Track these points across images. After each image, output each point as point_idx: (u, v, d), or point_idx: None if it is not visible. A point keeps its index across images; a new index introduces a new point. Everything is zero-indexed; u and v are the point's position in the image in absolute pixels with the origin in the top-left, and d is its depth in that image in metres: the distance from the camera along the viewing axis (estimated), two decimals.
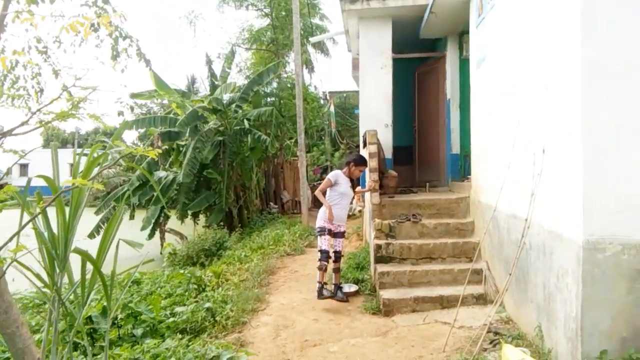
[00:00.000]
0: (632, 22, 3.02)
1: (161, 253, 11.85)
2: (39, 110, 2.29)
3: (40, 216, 2.40)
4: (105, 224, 3.76)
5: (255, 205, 15.22)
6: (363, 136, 7.66)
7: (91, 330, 4.04)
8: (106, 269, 2.71)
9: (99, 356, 3.48)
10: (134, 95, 13.87)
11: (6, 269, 2.07)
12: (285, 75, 17.58)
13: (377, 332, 4.57)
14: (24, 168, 41.57)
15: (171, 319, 4.64)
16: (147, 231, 13.22)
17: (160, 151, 2.84)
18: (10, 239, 2.03)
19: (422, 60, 8.95)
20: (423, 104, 9.09)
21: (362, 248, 7.79)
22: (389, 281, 5.34)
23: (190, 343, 3.92)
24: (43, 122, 2.28)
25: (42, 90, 3.03)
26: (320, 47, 20.89)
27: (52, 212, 2.51)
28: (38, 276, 2.51)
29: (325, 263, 5.49)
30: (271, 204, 16.46)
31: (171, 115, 13.30)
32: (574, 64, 3.15)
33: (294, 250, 8.90)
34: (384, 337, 4.45)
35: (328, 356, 4.09)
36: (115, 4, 3.39)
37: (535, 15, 3.88)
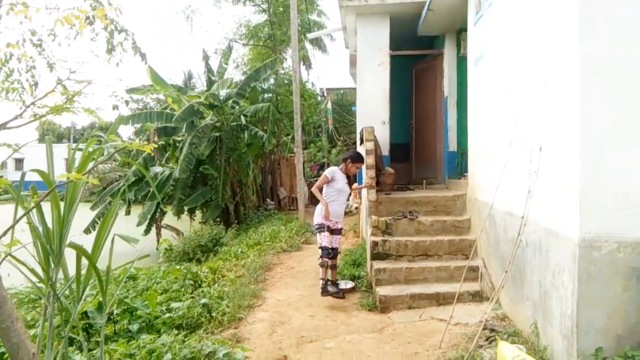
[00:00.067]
0: (630, 20, 3.02)
1: (157, 249, 11.85)
2: (32, 103, 2.27)
3: (34, 211, 2.38)
4: (101, 219, 3.73)
5: (252, 201, 15.21)
6: (360, 133, 7.65)
7: (87, 325, 4.03)
8: (102, 265, 2.70)
9: (94, 351, 3.48)
10: (130, 91, 13.80)
11: (0, 262, 2.06)
12: (283, 72, 17.53)
13: (373, 328, 4.57)
14: (19, 163, 41.40)
15: (167, 315, 4.62)
16: (143, 227, 13.18)
17: (155, 146, 2.83)
18: (4, 233, 2.01)
19: (420, 58, 8.93)
20: (420, 102, 9.09)
21: (359, 245, 7.79)
22: (385, 278, 5.34)
23: (187, 339, 3.91)
24: (37, 116, 2.26)
25: (36, 84, 3.00)
26: (318, 43, 20.86)
27: (47, 207, 2.49)
28: (33, 271, 2.50)
29: (327, 260, 5.49)
30: (268, 200, 16.46)
31: (167, 111, 13.26)
32: (572, 62, 3.15)
33: (290, 247, 8.90)
34: (380, 333, 4.45)
35: (324, 352, 4.09)
36: None
37: (534, 13, 3.88)
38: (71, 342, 3.75)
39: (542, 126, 3.65)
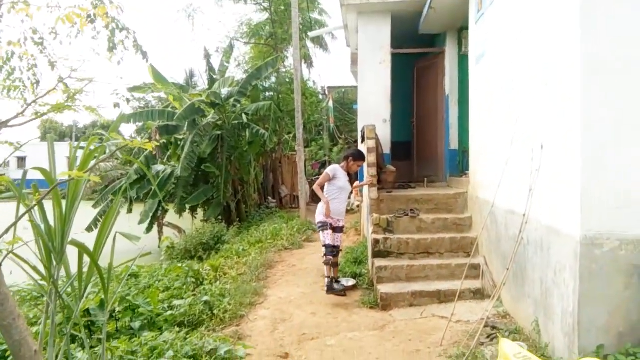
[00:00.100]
0: (631, 18, 3.01)
1: (159, 247, 11.85)
2: (34, 101, 2.27)
3: (36, 209, 2.39)
4: (103, 218, 3.75)
5: (254, 199, 15.22)
6: (361, 131, 7.66)
7: (89, 323, 4.04)
8: (103, 263, 2.71)
9: (96, 349, 3.49)
10: (132, 89, 13.80)
11: (2, 260, 2.07)
12: (284, 70, 17.53)
13: (374, 326, 4.58)
14: (22, 161, 41.48)
15: (169, 312, 4.63)
16: (145, 225, 13.20)
17: (157, 144, 2.83)
18: (7, 231, 2.02)
19: (421, 56, 8.92)
20: (422, 100, 9.08)
21: (360, 243, 7.80)
22: (387, 275, 5.35)
23: (188, 336, 3.92)
24: (39, 114, 2.27)
25: (38, 82, 3.01)
26: (319, 41, 20.83)
27: (49, 205, 2.50)
28: (35, 269, 2.51)
29: (331, 257, 5.49)
30: (269, 198, 16.47)
31: (169, 109, 13.26)
32: (573, 60, 3.14)
33: (292, 245, 8.91)
34: (382, 331, 4.46)
35: (325, 350, 4.10)
36: None
37: (535, 11, 3.87)
38: (73, 339, 3.77)
39: (544, 124, 3.65)
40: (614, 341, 3.03)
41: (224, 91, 13.37)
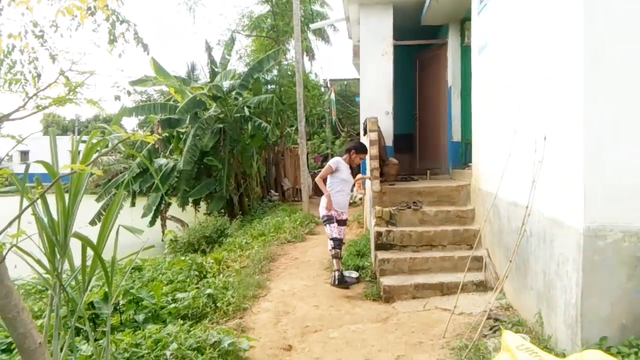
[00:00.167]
0: (634, 13, 2.99)
1: (162, 240, 11.89)
2: (35, 94, 2.27)
3: (39, 202, 2.39)
4: (106, 211, 3.76)
5: (256, 192, 15.23)
6: (364, 124, 7.63)
7: (93, 315, 4.06)
8: (107, 256, 2.72)
9: (101, 341, 3.51)
10: (133, 82, 13.78)
11: (6, 254, 2.07)
12: (286, 63, 17.45)
13: (377, 318, 4.59)
14: (24, 155, 41.60)
15: (172, 305, 4.66)
16: (148, 218, 13.25)
17: (159, 137, 2.83)
18: (10, 224, 2.03)
19: (424, 48, 8.86)
20: (424, 92, 9.03)
21: (363, 235, 7.81)
22: (390, 268, 5.35)
23: (192, 329, 3.94)
24: (40, 107, 2.26)
25: (39, 75, 3.01)
26: (321, 34, 20.73)
27: (52, 199, 2.51)
28: (39, 262, 2.52)
29: (339, 250, 5.49)
30: (272, 191, 16.47)
31: (171, 103, 13.26)
32: (575, 54, 3.11)
33: (294, 238, 8.92)
34: (384, 323, 4.47)
35: (328, 342, 4.12)
36: None
37: (538, 3, 3.83)
38: (78, 332, 3.79)
39: (546, 116, 3.63)
40: (617, 333, 3.03)
41: (226, 84, 13.34)
